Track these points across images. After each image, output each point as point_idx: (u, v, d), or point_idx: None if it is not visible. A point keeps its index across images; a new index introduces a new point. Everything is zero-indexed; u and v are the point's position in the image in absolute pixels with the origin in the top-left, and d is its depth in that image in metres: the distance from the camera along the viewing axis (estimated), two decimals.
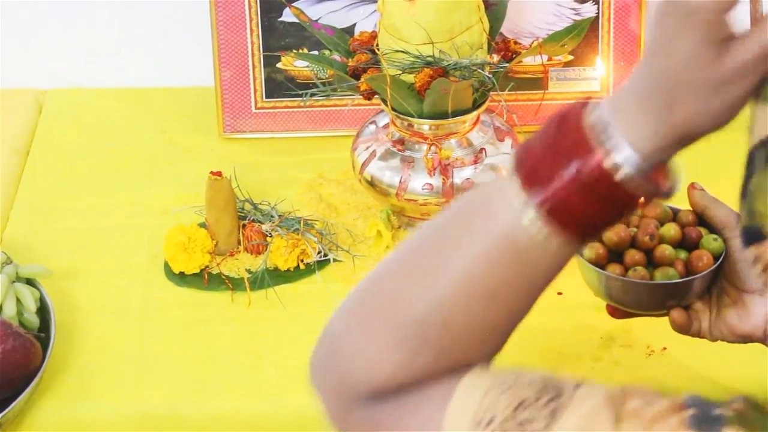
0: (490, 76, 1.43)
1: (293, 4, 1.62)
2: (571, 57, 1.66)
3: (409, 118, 1.45)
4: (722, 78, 0.80)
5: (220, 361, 1.37)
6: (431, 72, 1.40)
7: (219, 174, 1.46)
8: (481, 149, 1.48)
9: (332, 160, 1.63)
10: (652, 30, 0.83)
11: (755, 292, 1.12)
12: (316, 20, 1.62)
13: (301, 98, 1.64)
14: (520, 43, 1.49)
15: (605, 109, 0.83)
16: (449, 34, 1.42)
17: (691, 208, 1.18)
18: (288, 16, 1.64)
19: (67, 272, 1.47)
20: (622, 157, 0.82)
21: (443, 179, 1.46)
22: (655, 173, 0.84)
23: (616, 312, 1.18)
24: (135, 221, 1.55)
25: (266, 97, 1.68)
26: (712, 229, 1.17)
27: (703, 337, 1.16)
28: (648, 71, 0.83)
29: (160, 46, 1.79)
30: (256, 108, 1.68)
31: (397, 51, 1.43)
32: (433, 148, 1.46)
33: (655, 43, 0.82)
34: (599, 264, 1.15)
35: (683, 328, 1.16)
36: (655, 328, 1.29)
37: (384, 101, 1.45)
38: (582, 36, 1.47)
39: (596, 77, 1.67)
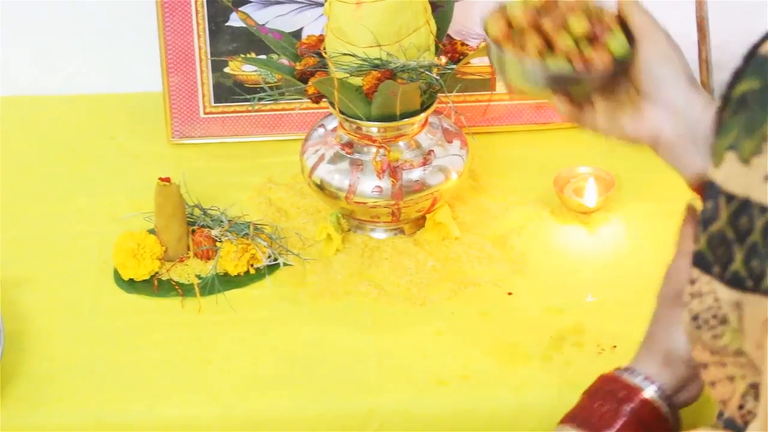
0: (438, 77, 1.43)
1: (240, 9, 1.62)
2: None
3: (357, 120, 1.45)
4: None
5: (171, 366, 1.36)
6: (379, 75, 1.40)
7: (167, 180, 1.45)
8: (430, 151, 1.48)
9: (281, 164, 1.62)
10: None
11: (652, 100, 1.14)
12: (263, 24, 1.61)
13: (249, 103, 1.64)
14: (467, 45, 1.49)
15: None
16: (396, 36, 1.42)
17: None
18: (235, 20, 1.64)
19: (16, 280, 1.46)
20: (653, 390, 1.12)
21: (392, 181, 1.46)
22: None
23: (510, 89, 1.19)
24: (84, 228, 1.54)
25: (214, 102, 1.67)
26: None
27: (594, 131, 1.19)
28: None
29: (107, 52, 1.78)
30: (205, 113, 1.68)
31: (345, 54, 1.43)
32: (381, 150, 1.46)
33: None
34: (500, 42, 1.15)
35: (568, 118, 1.19)
36: (605, 328, 1.30)
37: (332, 104, 1.45)
38: None
39: None
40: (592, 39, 1.14)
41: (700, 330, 0.83)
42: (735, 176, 0.78)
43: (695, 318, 0.83)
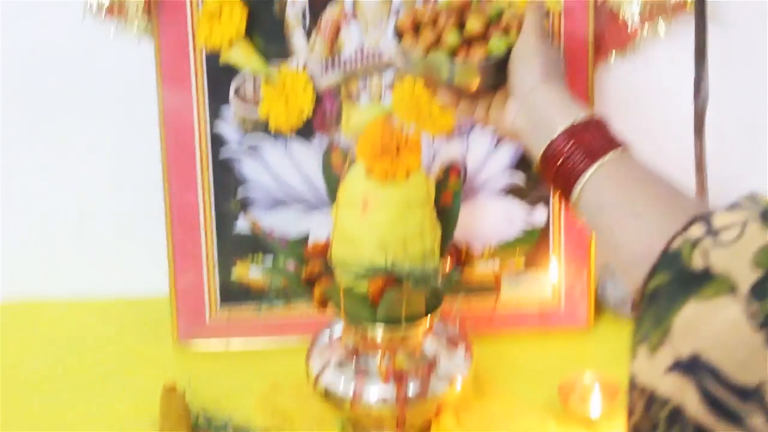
0: (443, 283, 1.44)
1: (248, 213, 1.63)
2: (523, 263, 1.68)
3: (362, 326, 1.45)
4: None
5: None
6: (384, 280, 1.41)
7: (173, 386, 1.45)
8: (435, 357, 1.48)
9: (287, 369, 1.62)
10: None
11: (512, 92, 1.26)
12: (270, 229, 1.63)
13: (255, 306, 1.65)
14: (472, 250, 1.50)
15: None
16: (402, 241, 1.43)
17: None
18: (242, 224, 1.66)
19: None
20: None
21: (397, 388, 1.45)
22: None
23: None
24: None
25: (221, 306, 1.68)
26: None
27: (478, 121, 1.34)
28: None
29: (114, 254, 1.79)
30: (211, 317, 1.68)
31: (350, 259, 1.44)
32: (386, 356, 1.46)
33: None
34: (402, 34, 1.33)
35: (452, 106, 1.34)
36: None
37: (338, 309, 1.45)
38: (533, 243, 1.49)
39: (549, 282, 1.68)
40: (485, 37, 1.30)
41: None
42: (644, 368, 0.81)
43: None
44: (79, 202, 1.76)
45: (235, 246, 1.67)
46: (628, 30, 1.56)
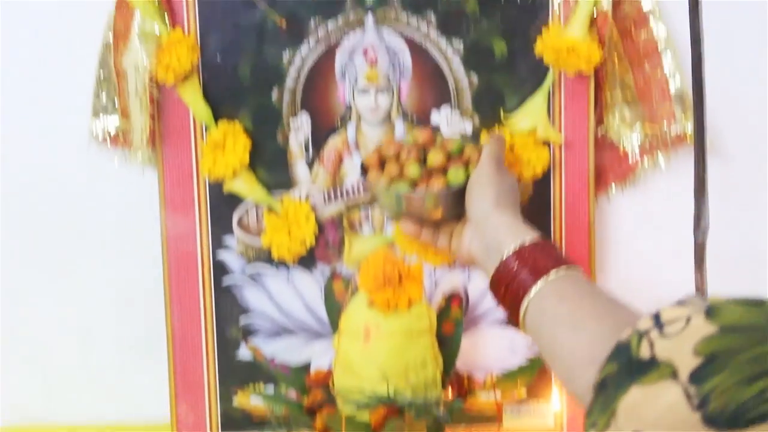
0: (445, 413, 1.43)
1: (249, 341, 1.63)
2: (525, 392, 1.67)
3: None
4: None
5: None
6: (386, 410, 1.41)
7: None
8: None
9: None
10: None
11: (469, 220, 1.35)
12: (272, 357, 1.63)
13: None
14: (474, 380, 1.50)
15: None
16: (403, 371, 1.43)
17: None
18: (244, 352, 1.65)
19: None
20: None
21: None
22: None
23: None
24: None
25: None
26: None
27: (439, 249, 1.40)
28: None
29: (115, 380, 1.78)
30: None
31: (352, 388, 1.44)
32: None
33: None
34: (368, 169, 1.43)
35: (415, 236, 1.41)
36: None
37: None
38: (535, 372, 1.48)
39: (551, 411, 1.68)
40: (445, 169, 1.38)
41: None
42: None
43: None
44: (81, 328, 1.76)
45: (236, 374, 1.66)
46: (629, 162, 1.57)
